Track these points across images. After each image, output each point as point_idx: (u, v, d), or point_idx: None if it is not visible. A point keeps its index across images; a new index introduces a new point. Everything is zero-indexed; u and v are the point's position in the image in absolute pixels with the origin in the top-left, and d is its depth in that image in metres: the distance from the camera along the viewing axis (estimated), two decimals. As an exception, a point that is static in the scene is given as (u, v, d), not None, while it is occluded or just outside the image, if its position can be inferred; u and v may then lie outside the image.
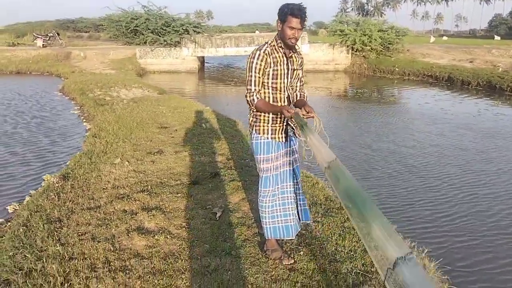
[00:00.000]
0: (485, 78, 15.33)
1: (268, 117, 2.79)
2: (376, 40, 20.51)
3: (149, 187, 4.31)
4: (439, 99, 13.56)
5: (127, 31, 22.87)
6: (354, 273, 2.83)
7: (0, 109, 10.23)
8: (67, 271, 2.87)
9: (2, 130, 8.09)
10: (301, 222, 3.07)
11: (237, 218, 3.62)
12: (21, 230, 3.51)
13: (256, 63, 2.65)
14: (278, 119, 2.81)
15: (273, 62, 2.67)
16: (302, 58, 2.90)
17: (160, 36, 20.98)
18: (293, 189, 2.99)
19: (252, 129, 2.87)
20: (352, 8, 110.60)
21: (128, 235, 3.30)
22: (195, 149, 5.76)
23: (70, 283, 2.73)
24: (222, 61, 27.76)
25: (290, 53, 2.75)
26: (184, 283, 2.69)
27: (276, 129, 2.83)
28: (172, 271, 2.82)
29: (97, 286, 2.66)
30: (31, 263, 2.98)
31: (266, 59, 2.65)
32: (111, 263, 2.93)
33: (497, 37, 43.34)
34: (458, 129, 9.07)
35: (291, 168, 2.96)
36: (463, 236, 4.29)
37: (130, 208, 3.79)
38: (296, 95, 2.92)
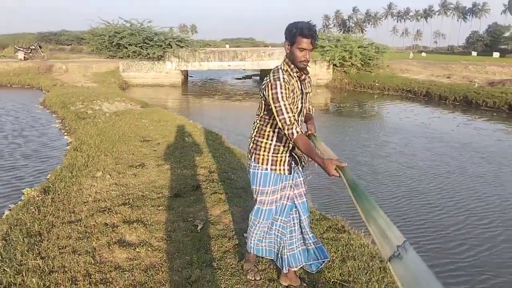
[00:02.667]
0: (461, 94, 15.79)
1: (270, 144, 2.55)
2: (356, 56, 20.97)
3: (131, 200, 4.33)
4: (418, 113, 13.91)
5: (110, 45, 22.85)
6: (332, 282, 2.90)
7: (-21, 122, 10.09)
8: (47, 285, 2.87)
9: (-19, 144, 7.98)
10: (320, 260, 2.78)
11: (218, 230, 3.67)
12: (0, 244, 3.48)
13: (281, 92, 2.35)
14: (281, 148, 2.55)
15: (291, 90, 2.44)
16: (311, 78, 2.70)
17: (143, 50, 21.04)
18: (289, 227, 2.72)
19: (251, 157, 2.63)
20: (334, 25, 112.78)
21: (109, 248, 3.31)
22: (178, 162, 5.79)
23: (50, 297, 2.73)
24: (206, 75, 27.91)
25: (303, 75, 2.52)
26: (165, 295, 2.73)
27: (277, 160, 2.57)
28: (153, 283, 2.85)
29: (77, 299, 2.67)
30: (10, 277, 2.96)
31: (288, 87, 2.39)
32: (92, 276, 2.94)
33: (474, 53, 44.74)
34: (437, 143, 9.33)
35: (291, 204, 2.68)
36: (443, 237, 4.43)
37: (111, 221, 3.80)
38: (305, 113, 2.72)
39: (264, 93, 2.43)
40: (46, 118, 10.84)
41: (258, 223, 2.68)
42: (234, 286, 2.83)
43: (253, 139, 2.64)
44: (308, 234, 2.73)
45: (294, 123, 2.33)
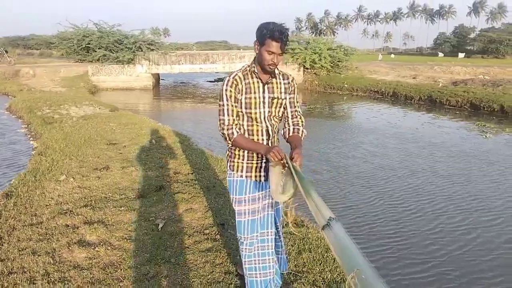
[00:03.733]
0: (426, 93, 16.31)
1: (244, 152, 2.42)
2: (326, 58, 21.36)
3: (93, 202, 4.36)
4: (385, 113, 14.28)
5: (79, 49, 22.54)
6: (286, 273, 3.03)
7: None
8: (5, 286, 2.89)
9: None
10: (284, 272, 2.74)
11: (179, 228, 3.76)
12: (-42, 249, 3.47)
13: (226, 90, 2.28)
14: (255, 154, 2.42)
15: (246, 89, 2.31)
16: (290, 83, 2.46)
17: (112, 53, 20.83)
18: (274, 236, 2.58)
19: (227, 164, 2.52)
20: (306, 27, 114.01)
21: (68, 248, 3.35)
22: (143, 164, 5.84)
23: (8, 297, 2.76)
24: (178, 78, 27.82)
25: (269, 78, 2.37)
26: (122, 290, 2.80)
27: (252, 167, 2.44)
28: (111, 279, 2.92)
29: (34, 298, 2.71)
30: (-33, 281, 2.97)
31: (237, 85, 2.29)
32: (51, 275, 2.98)
33: (440, 54, 46.16)
34: (401, 141, 9.63)
35: (273, 212, 2.55)
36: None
37: (72, 223, 3.84)
38: (288, 130, 2.48)
39: None
40: (12, 123, 10.64)
41: (244, 239, 2.47)
42: (191, 279, 2.93)
43: (228, 147, 2.49)
44: (279, 242, 2.71)
45: (233, 125, 2.29)
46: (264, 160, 2.42)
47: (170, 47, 23.04)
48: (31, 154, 7.14)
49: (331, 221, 1.74)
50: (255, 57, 2.35)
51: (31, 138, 8.64)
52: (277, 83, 2.41)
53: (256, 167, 2.44)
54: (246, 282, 2.54)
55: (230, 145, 2.40)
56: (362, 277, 1.51)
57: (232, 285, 2.86)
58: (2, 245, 3.53)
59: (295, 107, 2.50)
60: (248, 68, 2.36)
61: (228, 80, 2.31)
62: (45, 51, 36.83)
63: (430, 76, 19.85)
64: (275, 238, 2.59)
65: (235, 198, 2.46)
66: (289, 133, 2.48)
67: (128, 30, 22.81)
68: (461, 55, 38.44)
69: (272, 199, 2.47)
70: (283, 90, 2.43)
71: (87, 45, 21.94)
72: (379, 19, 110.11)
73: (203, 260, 3.20)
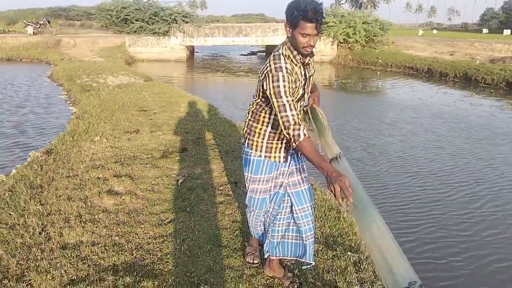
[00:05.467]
0: (462, 70, 15.91)
1: (265, 131, 2.34)
2: (360, 32, 21.02)
3: (122, 159, 4.82)
4: (418, 90, 14.14)
5: (117, 20, 23.14)
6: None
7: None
8: (45, 224, 3.37)
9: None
10: (305, 260, 2.49)
11: (196, 184, 4.15)
12: (6, 194, 3.98)
13: (284, 86, 2.08)
14: (277, 135, 2.33)
15: (294, 80, 2.18)
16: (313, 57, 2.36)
17: (149, 25, 21.33)
18: (279, 214, 2.50)
19: (245, 142, 2.43)
20: (346, 0, 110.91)
21: (99, 196, 3.81)
22: (170, 129, 6.26)
23: (47, 232, 3.23)
24: (212, 50, 28.14)
25: (307, 59, 2.23)
26: (142, 231, 3.23)
27: (272, 147, 2.36)
28: (133, 222, 3.35)
29: (69, 233, 3.17)
30: (14, 219, 3.47)
31: (291, 79, 2.13)
32: (82, 216, 3.44)
33: (485, 31, 44.05)
34: (432, 118, 9.61)
35: (283, 192, 2.47)
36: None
37: (103, 176, 4.30)
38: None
39: (264, 83, 2.15)
40: (53, 90, 11.35)
41: (252, 211, 2.56)
42: (203, 225, 3.32)
43: (247, 123, 2.42)
44: (303, 227, 2.43)
45: (299, 124, 2.05)
46: (285, 141, 2.33)
47: (204, 20, 23.30)
48: (70, 118, 7.71)
49: (339, 156, 2.03)
50: (286, 41, 2.18)
51: (70, 104, 9.26)
52: (311, 62, 2.33)
53: (276, 147, 2.36)
54: (251, 230, 2.76)
55: (252, 120, 2.37)
56: (356, 205, 1.65)
57: (238, 230, 3.22)
58: (43, 192, 4.03)
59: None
60: (289, 54, 2.17)
61: (283, 76, 2.09)
62: (85, 22, 37.89)
63: (468, 53, 19.22)
64: (296, 222, 2.47)
65: (251, 176, 2.42)
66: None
67: (164, 2, 23.22)
68: (506, 31, 36.57)
69: (285, 178, 2.44)
70: (313, 66, 2.39)
71: (125, 17, 22.50)
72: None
73: (214, 210, 3.58)
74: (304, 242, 2.45)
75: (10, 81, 12.85)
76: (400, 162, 6.43)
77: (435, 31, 44.07)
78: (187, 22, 21.50)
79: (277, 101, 2.08)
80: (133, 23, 21.96)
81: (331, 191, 1.79)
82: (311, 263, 2.48)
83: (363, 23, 21.38)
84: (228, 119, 7.28)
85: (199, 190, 3.99)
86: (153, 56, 20.92)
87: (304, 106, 2.46)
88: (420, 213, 4.70)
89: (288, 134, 2.04)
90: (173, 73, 18.18)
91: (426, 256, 3.90)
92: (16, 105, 9.46)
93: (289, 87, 2.09)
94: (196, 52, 26.30)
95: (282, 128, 2.08)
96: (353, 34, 21.14)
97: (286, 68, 2.11)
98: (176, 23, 21.14)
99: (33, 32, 22.81)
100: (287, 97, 2.07)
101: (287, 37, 2.16)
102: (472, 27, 67.39)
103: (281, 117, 2.06)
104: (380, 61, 19.83)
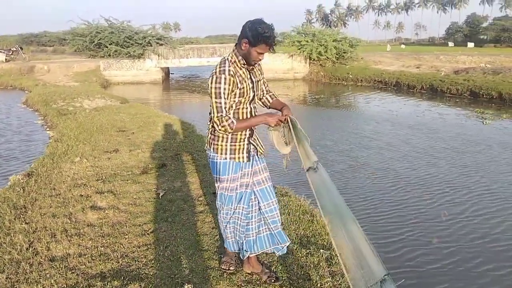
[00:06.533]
0: (428, 82, 16.64)
1: (227, 135, 2.58)
2: (331, 50, 21.75)
3: (104, 177, 4.98)
4: (387, 102, 14.70)
5: (90, 45, 23.27)
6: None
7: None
8: (31, 240, 3.50)
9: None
10: (281, 245, 2.77)
11: (177, 196, 4.36)
12: (-10, 216, 4.09)
13: (224, 88, 2.41)
14: (239, 137, 2.59)
15: (239, 81, 2.47)
16: (260, 64, 2.69)
17: (123, 48, 21.52)
18: (250, 213, 2.73)
19: (210, 147, 2.65)
20: (317, 19, 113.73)
21: (83, 212, 3.97)
22: (149, 147, 6.45)
23: (34, 248, 3.37)
24: (187, 72, 28.45)
25: (251, 66, 2.57)
26: (127, 241, 3.40)
27: (235, 149, 2.60)
28: (118, 234, 3.53)
29: (56, 247, 3.31)
30: (0, 238, 3.59)
31: (233, 81, 2.43)
32: (68, 231, 3.59)
33: (451, 44, 45.96)
34: (402, 128, 10.04)
35: (250, 191, 2.70)
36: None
37: (86, 193, 4.46)
38: (267, 99, 2.80)
39: (208, 83, 2.45)
40: (29, 116, 11.36)
41: (221, 208, 2.74)
42: (184, 232, 3.51)
43: (210, 129, 2.64)
44: (268, 220, 2.71)
45: (230, 117, 2.44)
46: (246, 142, 2.62)
47: (178, 42, 23.66)
48: (48, 141, 7.79)
49: (317, 165, 2.22)
50: (234, 49, 2.51)
51: (47, 128, 9.32)
52: (256, 67, 2.64)
53: (239, 149, 2.61)
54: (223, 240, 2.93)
55: (231, 133, 2.54)
56: (333, 220, 1.86)
57: (217, 236, 3.43)
58: (27, 212, 4.14)
59: (267, 84, 2.80)
60: (235, 60, 2.48)
61: (225, 78, 2.40)
62: (58, 48, 37.74)
63: (434, 66, 20.10)
64: (262, 217, 2.74)
65: (219, 177, 2.66)
66: (269, 101, 2.80)
67: (139, 25, 23.53)
68: (470, 44, 38.38)
69: (249, 178, 2.68)
70: (259, 72, 2.69)
71: (98, 41, 22.66)
72: (390, 10, 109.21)
73: (194, 219, 3.79)
74: (273, 232, 2.74)
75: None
76: (380, 173, 6.54)
77: (403, 46, 45.70)
78: (161, 45, 21.80)
79: (216, 101, 2.43)
80: (107, 47, 22.12)
81: (270, 127, 2.43)
82: (287, 243, 2.78)
83: (333, 41, 22.13)
84: (205, 136, 7.48)
85: (180, 201, 4.20)
86: (128, 79, 21.05)
87: (281, 118, 2.67)
88: (403, 222, 4.80)
89: (223, 126, 2.43)
90: (149, 95, 18.34)
91: (409, 264, 3.95)
92: (-9, 131, 9.46)
93: (228, 90, 2.43)
94: (172, 73, 26.55)
95: (216, 125, 2.45)
96: (324, 52, 21.86)
97: (229, 70, 2.43)
98: (151, 45, 21.41)
99: (6, 59, 22.67)
100: (225, 99, 2.43)
101: (239, 46, 2.48)
102: (439, 41, 69.97)
103: (217, 117, 2.43)
104: (350, 76, 20.50)
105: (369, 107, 13.73)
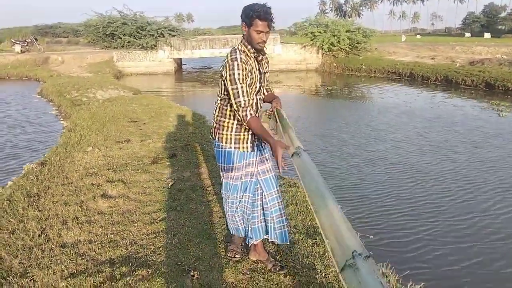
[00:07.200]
0: (442, 73, 16.39)
1: (232, 123, 2.62)
2: (344, 40, 21.53)
3: (115, 166, 5.06)
4: (401, 93, 14.53)
5: (104, 36, 23.42)
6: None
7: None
8: (43, 227, 3.59)
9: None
10: (277, 243, 2.85)
11: (186, 186, 4.41)
12: (5, 203, 4.18)
13: (239, 74, 2.44)
14: (244, 126, 2.60)
15: (250, 71, 2.51)
16: (267, 58, 2.76)
17: (136, 39, 21.63)
18: (255, 201, 2.77)
19: (215, 136, 2.70)
20: (331, 9, 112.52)
21: (94, 200, 4.05)
22: (159, 137, 6.52)
23: (46, 234, 3.46)
24: (199, 63, 28.48)
25: (260, 56, 2.61)
26: (136, 229, 3.47)
27: (240, 138, 2.64)
28: (127, 221, 3.59)
29: (67, 234, 3.40)
30: (14, 225, 3.68)
31: (246, 68, 2.48)
32: (79, 218, 3.67)
33: (467, 35, 45.11)
34: (419, 120, 9.86)
35: (255, 180, 2.74)
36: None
37: (97, 182, 4.54)
38: (264, 93, 2.83)
39: (223, 72, 2.49)
40: (43, 106, 11.54)
41: (227, 197, 2.78)
42: (192, 221, 3.57)
43: (215, 119, 2.69)
44: (269, 210, 2.74)
45: (248, 106, 2.45)
46: (250, 132, 2.63)
47: (191, 33, 23.66)
48: (61, 131, 7.92)
49: (299, 150, 2.23)
50: (242, 39, 2.56)
51: (61, 118, 9.46)
52: (264, 59, 2.69)
53: (243, 138, 2.64)
54: (229, 229, 2.97)
55: (223, 117, 2.63)
56: (315, 199, 1.84)
57: (225, 225, 3.47)
58: (40, 199, 4.24)
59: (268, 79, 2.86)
60: (244, 49, 2.53)
61: (238, 65, 2.44)
62: (72, 39, 37.99)
63: (449, 57, 19.78)
64: (264, 206, 2.77)
65: (223, 166, 2.72)
66: (264, 94, 2.84)
67: (152, 16, 23.57)
68: (487, 35, 37.59)
69: (253, 167, 2.72)
70: (266, 65, 2.74)
71: (111, 32, 22.78)
72: (405, 0, 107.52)
73: (203, 208, 3.84)
74: (268, 224, 2.77)
75: (2, 98, 13.01)
76: (397, 167, 6.35)
77: (418, 37, 45.04)
78: (174, 36, 21.84)
79: (232, 87, 2.46)
80: (120, 38, 22.23)
81: (275, 156, 2.31)
82: (285, 243, 2.80)
83: (346, 31, 21.91)
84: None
85: (188, 191, 4.25)
86: (141, 70, 21.17)
87: (269, 109, 2.80)
88: (421, 219, 4.61)
89: (239, 115, 2.47)
90: (161, 85, 18.44)
91: (427, 266, 3.76)
92: (8, 121, 9.64)
93: (243, 75, 2.46)
94: (184, 64, 26.61)
95: (236, 110, 2.48)
96: (337, 42, 21.65)
97: (241, 58, 2.48)
98: (163, 37, 21.46)
99: (21, 50, 22.98)
100: (241, 83, 2.45)
101: (243, 35, 2.55)
102: (455, 32, 68.73)
103: (235, 102, 2.46)
104: (364, 67, 20.30)
105: (383, 99, 13.59)
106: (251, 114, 2.43)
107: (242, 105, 2.44)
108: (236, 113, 2.50)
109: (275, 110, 2.72)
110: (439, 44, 25.24)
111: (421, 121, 9.78)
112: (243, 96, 2.45)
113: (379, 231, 4.32)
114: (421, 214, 4.75)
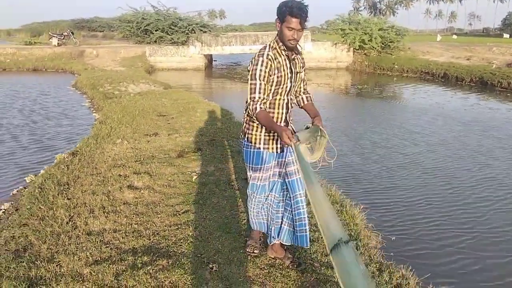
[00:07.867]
0: (478, 75, 15.90)
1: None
2: (376, 38, 21.17)
3: (142, 159, 5.20)
4: (434, 94, 14.19)
5: (137, 31, 23.91)
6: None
7: (20, 102, 11.26)
8: (71, 215, 3.73)
9: (23, 122, 8.99)
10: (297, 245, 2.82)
11: (209, 180, 4.47)
12: (36, 191, 4.37)
13: (261, 70, 2.42)
14: None
15: (277, 68, 2.47)
16: (303, 58, 2.71)
17: (168, 34, 21.96)
18: (280, 202, 2.79)
19: (244, 136, 2.69)
20: (365, 7, 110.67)
21: (120, 190, 4.17)
22: (186, 132, 6.63)
23: (74, 222, 3.58)
24: (230, 59, 28.65)
25: (293, 55, 2.57)
26: (159, 220, 3.55)
27: (269, 139, 2.62)
28: (151, 213, 3.68)
29: (93, 222, 3.51)
30: (44, 212, 3.83)
31: (271, 65, 2.44)
32: (106, 208, 3.79)
33: (506, 35, 43.38)
34: (455, 123, 9.47)
35: (282, 181, 2.74)
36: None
37: (124, 173, 4.67)
38: (302, 99, 2.77)
39: (249, 66, 2.50)
40: (77, 98, 11.91)
41: (253, 197, 2.78)
42: (213, 214, 3.62)
43: (245, 118, 2.67)
44: (293, 211, 2.68)
45: (259, 101, 2.43)
46: None
47: (222, 29, 23.83)
48: (93, 123, 8.16)
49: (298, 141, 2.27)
50: (277, 35, 2.51)
51: (94, 111, 9.74)
52: (298, 59, 2.63)
53: (273, 139, 2.61)
54: (252, 223, 2.94)
55: (249, 118, 2.61)
56: (309, 185, 2.01)
57: (245, 219, 3.51)
58: (69, 188, 4.40)
59: (306, 80, 2.79)
60: (275, 46, 2.50)
61: (262, 61, 2.43)
62: (107, 33, 38.93)
63: (485, 58, 19.14)
64: (289, 208, 2.73)
65: (252, 166, 2.69)
66: (303, 102, 2.76)
67: (185, 12, 23.91)
68: (527, 35, 36.08)
69: (281, 168, 2.71)
70: (301, 65, 2.67)
71: (145, 28, 23.22)
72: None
73: (225, 202, 3.89)
74: (287, 227, 2.76)
75: (38, 90, 13.51)
76: (432, 173, 6.09)
77: (454, 37, 43.66)
78: (205, 32, 22.05)
79: (250, 82, 2.46)
80: (152, 33, 22.64)
81: (282, 141, 2.29)
82: (305, 247, 2.78)
83: (379, 30, 21.53)
84: (241, 123, 7.59)
85: (212, 185, 4.31)
86: (172, 65, 21.49)
87: (311, 125, 2.58)
88: (456, 229, 4.36)
89: (249, 109, 2.46)
90: (191, 81, 18.67)
91: (465, 278, 3.57)
92: (43, 112, 10.00)
93: (265, 72, 2.44)
94: (214, 60, 26.83)
95: (247, 103, 2.49)
96: (369, 40, 21.31)
97: (268, 55, 2.47)
98: (194, 32, 21.70)
99: (58, 43, 23.73)
100: (260, 80, 2.44)
101: (277, 32, 2.51)
102: (494, 32, 66.31)
103: (250, 97, 2.46)
104: (396, 66, 19.92)
105: (415, 99, 13.28)
106: (260, 108, 2.42)
107: (256, 100, 2.44)
108: (247, 107, 2.49)
109: (319, 128, 2.50)
110: (476, 45, 24.44)
111: (457, 124, 9.44)
112: (259, 93, 2.44)
113: (407, 237, 4.12)
114: (454, 223, 4.47)
